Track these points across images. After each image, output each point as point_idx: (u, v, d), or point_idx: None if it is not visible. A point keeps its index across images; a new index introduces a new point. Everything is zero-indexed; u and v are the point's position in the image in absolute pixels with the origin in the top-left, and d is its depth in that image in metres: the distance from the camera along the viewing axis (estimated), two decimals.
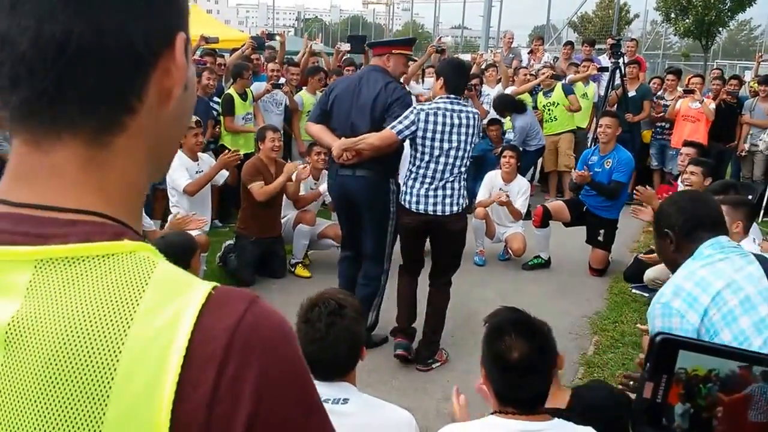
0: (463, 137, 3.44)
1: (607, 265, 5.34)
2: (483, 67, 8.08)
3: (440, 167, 3.45)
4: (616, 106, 7.43)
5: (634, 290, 4.85)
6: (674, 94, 7.56)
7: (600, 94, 7.76)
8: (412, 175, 3.51)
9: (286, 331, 0.55)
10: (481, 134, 3.71)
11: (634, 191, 4.51)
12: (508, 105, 6.94)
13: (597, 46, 9.81)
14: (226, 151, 4.73)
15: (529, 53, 9.57)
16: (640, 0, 24.81)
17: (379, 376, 3.51)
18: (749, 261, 1.89)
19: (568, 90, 7.43)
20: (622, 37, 11.92)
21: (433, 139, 3.42)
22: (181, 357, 0.49)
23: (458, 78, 3.52)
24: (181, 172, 4.45)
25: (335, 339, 1.78)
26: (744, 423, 0.44)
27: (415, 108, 3.47)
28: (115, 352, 0.49)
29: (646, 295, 4.58)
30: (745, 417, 0.45)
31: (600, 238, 5.26)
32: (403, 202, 3.56)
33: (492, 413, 1.70)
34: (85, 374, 0.48)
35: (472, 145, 3.54)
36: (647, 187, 4.55)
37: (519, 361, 1.64)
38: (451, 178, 3.48)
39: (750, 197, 6.33)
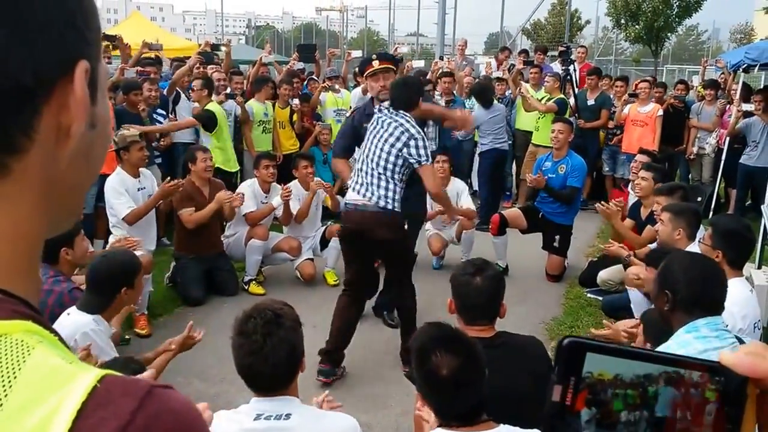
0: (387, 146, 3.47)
1: (564, 271, 5.36)
2: (438, 75, 8.08)
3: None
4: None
5: (589, 294, 4.89)
6: (622, 100, 7.69)
7: None
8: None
9: (192, 430, 0.46)
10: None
11: (597, 205, 4.58)
12: (480, 92, 6.91)
13: (550, 53, 9.93)
14: (168, 178, 4.58)
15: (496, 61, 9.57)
16: (591, 6, 25.54)
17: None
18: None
19: (560, 105, 7.18)
20: (572, 44, 12.14)
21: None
22: None
23: (400, 93, 3.59)
24: (120, 198, 4.22)
25: (273, 349, 1.76)
26: (701, 421, 0.47)
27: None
28: None
29: (600, 298, 4.63)
30: (703, 417, 0.47)
31: (556, 244, 5.29)
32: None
33: (438, 426, 1.73)
34: None
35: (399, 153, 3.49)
36: (608, 203, 4.52)
37: (450, 377, 1.66)
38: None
39: (699, 199, 6.49)
